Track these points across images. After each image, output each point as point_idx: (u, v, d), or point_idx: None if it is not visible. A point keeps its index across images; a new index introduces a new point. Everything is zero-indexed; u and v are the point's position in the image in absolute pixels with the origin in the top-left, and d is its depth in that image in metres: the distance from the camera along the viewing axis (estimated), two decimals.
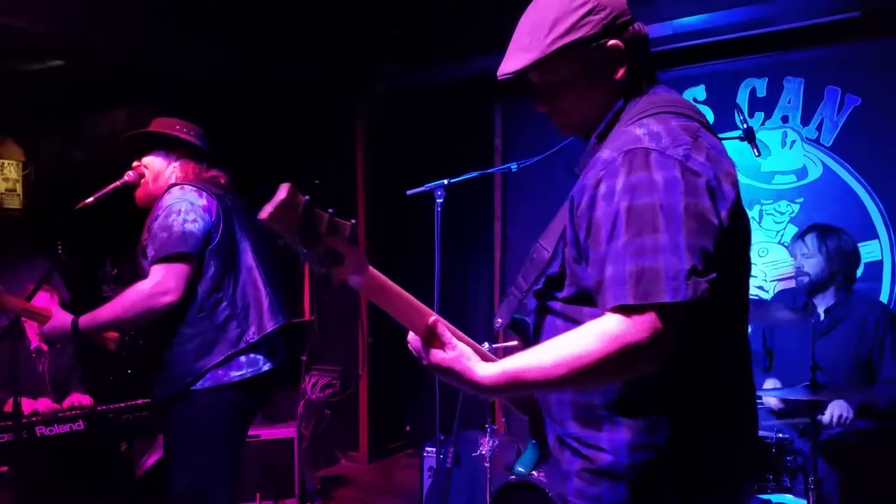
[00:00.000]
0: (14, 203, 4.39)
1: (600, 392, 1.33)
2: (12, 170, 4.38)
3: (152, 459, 3.57)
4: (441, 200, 2.93)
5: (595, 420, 1.35)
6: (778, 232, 3.97)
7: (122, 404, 3.17)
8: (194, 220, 2.48)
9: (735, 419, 1.37)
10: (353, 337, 5.06)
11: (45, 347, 3.56)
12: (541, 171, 3.60)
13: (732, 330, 1.38)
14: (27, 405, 3.19)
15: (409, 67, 4.72)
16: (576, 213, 1.34)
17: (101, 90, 4.25)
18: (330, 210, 1.18)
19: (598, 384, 1.31)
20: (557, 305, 1.42)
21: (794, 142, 3.86)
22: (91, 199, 2.62)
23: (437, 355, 1.32)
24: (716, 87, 4.05)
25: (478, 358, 1.32)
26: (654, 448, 1.30)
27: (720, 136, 1.45)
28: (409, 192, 2.99)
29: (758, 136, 2.90)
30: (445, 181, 2.92)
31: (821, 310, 3.19)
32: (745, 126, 2.69)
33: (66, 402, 3.40)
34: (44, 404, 3.24)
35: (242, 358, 2.56)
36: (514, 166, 3.11)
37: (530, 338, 1.50)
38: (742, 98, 3.95)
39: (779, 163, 3.94)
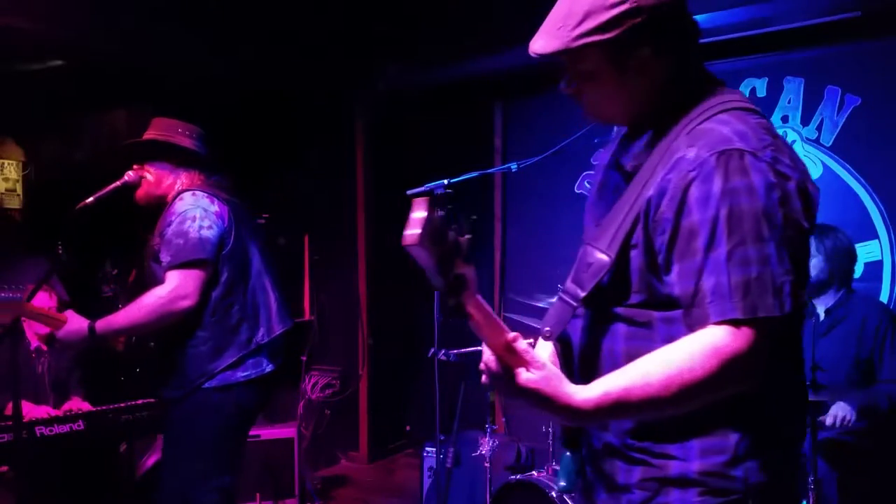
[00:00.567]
0: (14, 203, 4.39)
1: None
2: (12, 170, 4.38)
3: (152, 459, 3.57)
4: None
5: (661, 429, 1.26)
6: None
7: (122, 404, 3.17)
8: (209, 227, 2.52)
9: (799, 424, 1.34)
10: (353, 337, 5.06)
11: (44, 348, 3.56)
12: (541, 171, 3.60)
13: (798, 335, 1.32)
14: (28, 412, 3.19)
15: (409, 68, 4.72)
16: (653, 215, 1.23)
17: (101, 90, 4.25)
18: (454, 225, 1.02)
19: (701, 403, 1.19)
20: (620, 311, 1.31)
21: (793, 142, 3.86)
22: (91, 199, 2.62)
23: (522, 376, 1.16)
24: None
25: (568, 380, 1.18)
26: (726, 451, 1.23)
27: None
28: (409, 193, 2.99)
29: None
30: (445, 181, 2.92)
31: (821, 310, 3.19)
32: None
33: (65, 408, 3.40)
34: (44, 412, 3.24)
35: (249, 359, 2.60)
36: (514, 166, 3.11)
37: (573, 349, 1.40)
38: None
39: None
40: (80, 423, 3.02)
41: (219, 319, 2.55)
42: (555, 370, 1.18)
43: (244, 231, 2.66)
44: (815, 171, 3.83)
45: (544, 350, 1.44)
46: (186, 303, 2.45)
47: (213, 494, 2.54)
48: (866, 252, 3.56)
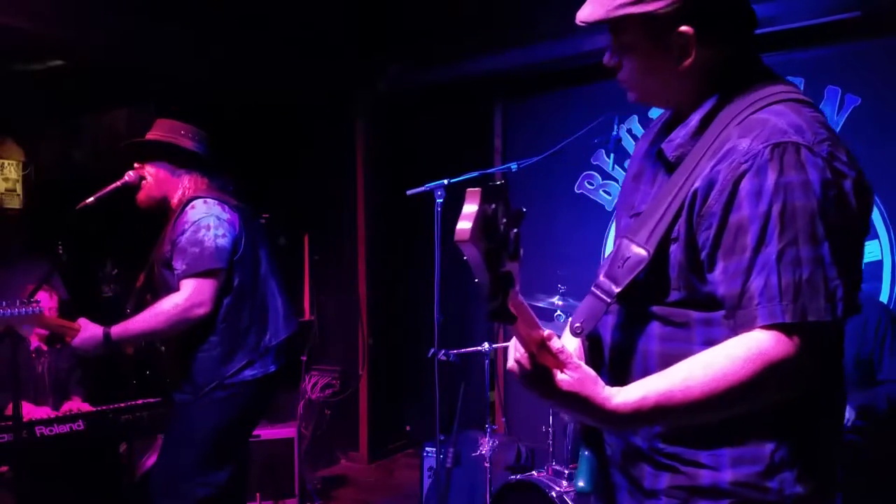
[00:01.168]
0: (14, 203, 4.39)
1: None
2: (12, 170, 4.38)
3: (152, 459, 3.57)
4: (441, 200, 2.93)
5: (692, 434, 1.19)
6: None
7: (122, 404, 3.17)
8: (223, 235, 2.55)
9: (837, 433, 1.26)
10: (353, 337, 5.06)
11: (44, 348, 3.57)
12: (541, 171, 3.60)
13: (842, 344, 1.24)
14: (28, 412, 3.19)
15: (410, 68, 4.72)
16: (699, 209, 1.15)
17: (101, 90, 4.25)
18: (504, 219, 0.95)
19: (743, 410, 1.13)
20: (656, 309, 1.23)
21: None
22: (91, 199, 2.63)
23: (556, 378, 1.10)
24: None
25: (603, 383, 1.12)
26: (761, 461, 1.16)
27: None
28: (409, 192, 3.00)
29: None
30: (445, 181, 2.92)
31: None
32: None
33: (65, 408, 3.40)
34: (44, 412, 3.24)
35: (257, 361, 2.63)
36: (514, 166, 3.11)
37: (604, 347, 1.33)
38: None
39: None
40: (80, 423, 3.02)
41: (229, 325, 2.59)
42: (591, 371, 1.12)
43: (253, 236, 2.69)
44: None
45: (570, 346, 1.38)
46: (202, 310, 2.49)
47: (205, 489, 2.55)
48: (866, 252, 3.54)
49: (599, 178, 4.35)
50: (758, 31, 1.30)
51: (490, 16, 4.31)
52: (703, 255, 1.16)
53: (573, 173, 4.41)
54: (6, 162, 4.36)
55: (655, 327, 1.23)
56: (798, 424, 1.17)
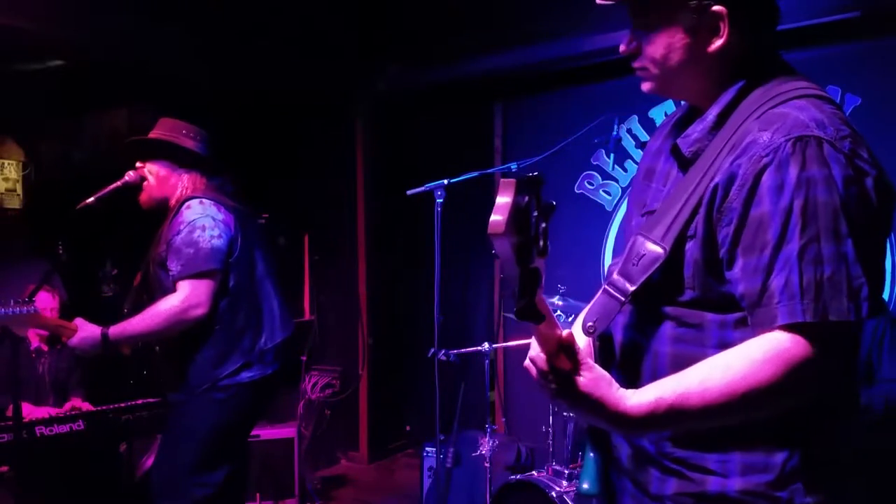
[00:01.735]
0: (14, 203, 4.39)
1: None
2: (12, 170, 4.38)
3: (152, 459, 3.57)
4: (441, 200, 2.93)
5: (701, 438, 1.16)
6: None
7: (122, 404, 3.17)
8: (219, 236, 2.55)
9: (854, 439, 1.21)
10: (353, 337, 5.06)
11: (45, 348, 3.57)
12: (541, 171, 3.60)
13: (859, 347, 1.19)
14: (28, 413, 3.20)
15: (409, 68, 4.72)
16: (719, 204, 1.12)
17: (101, 90, 4.25)
18: (535, 212, 0.92)
19: (762, 414, 1.10)
20: (669, 309, 1.20)
21: None
22: (91, 199, 2.63)
23: (569, 378, 1.08)
24: None
25: (617, 385, 1.10)
26: (772, 470, 1.12)
27: None
28: (409, 193, 3.00)
29: None
30: (445, 181, 2.92)
31: None
32: None
33: (65, 408, 3.41)
34: (44, 412, 3.24)
35: (253, 363, 2.64)
36: (514, 166, 3.11)
37: (615, 346, 1.30)
38: None
39: None
40: (80, 423, 3.02)
41: (225, 326, 2.59)
42: (604, 374, 1.09)
43: (249, 237, 2.69)
44: None
45: (578, 339, 1.39)
46: (199, 311, 2.49)
47: (203, 489, 2.56)
48: None
49: (599, 178, 4.35)
50: None
51: (490, 16, 4.31)
52: (723, 251, 1.13)
53: (573, 173, 4.41)
54: (6, 162, 4.36)
55: (668, 328, 1.20)
56: (812, 431, 1.14)
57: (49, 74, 4.16)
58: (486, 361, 3.39)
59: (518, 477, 3.17)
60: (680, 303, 1.19)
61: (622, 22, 1.28)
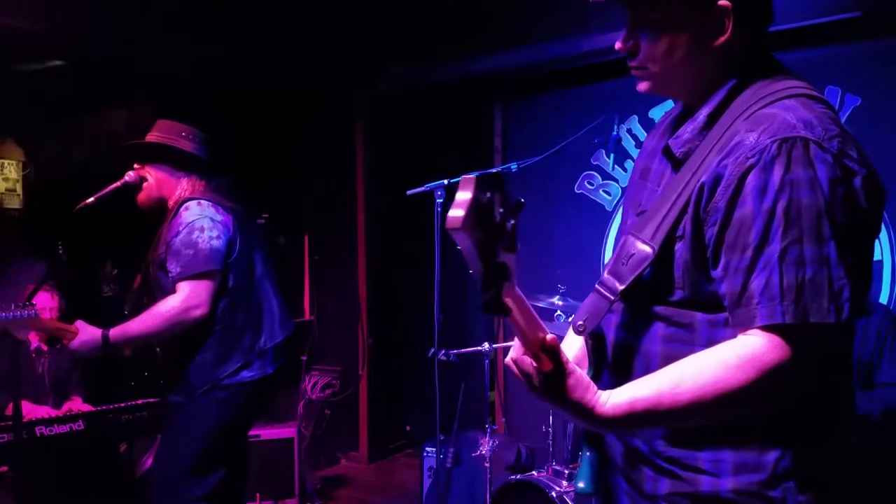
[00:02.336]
0: (14, 203, 4.39)
1: None
2: (12, 170, 4.38)
3: (152, 459, 3.57)
4: (441, 200, 2.93)
5: (693, 437, 1.17)
6: None
7: (122, 404, 3.17)
8: (218, 237, 2.55)
9: (846, 439, 1.21)
10: (353, 337, 5.06)
11: (45, 348, 3.57)
12: (541, 171, 3.60)
13: (851, 348, 1.21)
14: (29, 412, 3.19)
15: (409, 67, 4.72)
16: (705, 204, 1.12)
17: (101, 90, 4.25)
18: (500, 209, 0.93)
19: (737, 415, 1.11)
20: (660, 309, 1.21)
21: None
22: (91, 199, 2.63)
23: (547, 380, 1.10)
24: None
25: (595, 387, 1.11)
26: (764, 469, 1.13)
27: None
28: (409, 192, 3.00)
29: None
30: (445, 181, 2.92)
31: None
32: None
33: (65, 408, 3.40)
34: (44, 412, 3.24)
35: (252, 363, 2.64)
36: (514, 166, 3.11)
37: (607, 347, 1.31)
38: None
39: None
40: (80, 423, 3.02)
41: (224, 327, 2.59)
42: (583, 377, 1.10)
43: (247, 238, 2.69)
44: None
45: (573, 344, 1.38)
46: (199, 312, 2.50)
47: (201, 489, 2.56)
48: None
49: (599, 178, 4.35)
50: None
51: (490, 16, 4.31)
52: (709, 251, 1.13)
53: (573, 173, 4.41)
54: (6, 162, 4.36)
55: (659, 328, 1.21)
56: (805, 431, 1.14)
57: (49, 74, 4.16)
58: (486, 361, 3.39)
59: (518, 477, 3.17)
60: (670, 302, 1.19)
61: (622, 22, 1.27)
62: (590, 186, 4.38)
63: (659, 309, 1.21)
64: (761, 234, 1.06)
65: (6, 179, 4.35)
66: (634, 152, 4.17)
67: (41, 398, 3.49)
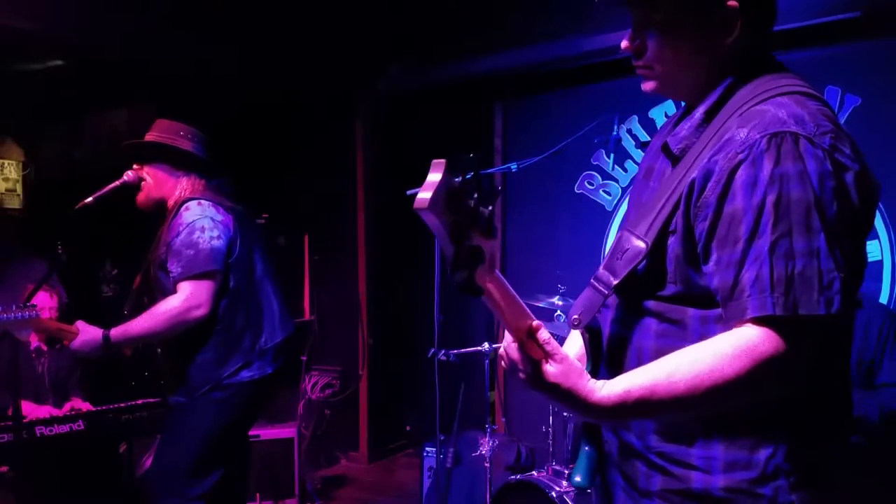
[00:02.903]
0: (14, 203, 4.39)
1: None
2: (12, 170, 4.38)
3: (152, 459, 3.57)
4: None
5: (685, 433, 1.17)
6: None
7: (122, 404, 3.17)
8: (218, 237, 2.55)
9: (841, 438, 1.21)
10: (353, 337, 5.06)
11: (44, 348, 3.57)
12: (541, 171, 3.60)
13: (848, 345, 1.21)
14: (30, 412, 3.19)
15: (409, 68, 4.72)
16: (696, 199, 1.13)
17: (101, 90, 4.25)
18: (475, 194, 0.93)
19: (730, 406, 1.11)
20: (652, 304, 1.21)
21: None
22: (91, 199, 2.63)
23: (540, 368, 1.11)
24: None
25: (589, 376, 1.12)
26: (754, 467, 1.13)
27: None
28: (409, 192, 2.99)
29: None
30: None
31: None
32: None
33: (65, 408, 3.40)
34: (45, 412, 3.24)
35: (252, 363, 2.64)
36: (514, 166, 3.11)
37: (603, 340, 1.32)
38: None
39: None
40: (80, 423, 3.02)
41: (225, 327, 2.59)
42: (575, 364, 1.11)
43: (248, 238, 2.69)
44: None
45: (576, 339, 1.39)
46: (200, 312, 2.50)
47: (201, 488, 2.56)
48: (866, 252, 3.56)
49: (599, 178, 4.35)
50: None
51: (490, 16, 4.31)
52: (700, 246, 1.14)
53: (573, 173, 4.41)
54: (6, 162, 4.36)
55: (652, 323, 1.22)
56: (797, 429, 1.14)
57: (49, 74, 4.16)
58: (486, 361, 3.39)
59: (518, 477, 3.17)
60: (662, 298, 1.20)
61: (622, 22, 1.27)
62: (590, 186, 4.38)
63: (651, 304, 1.22)
64: (751, 228, 1.07)
65: (6, 179, 4.35)
66: (634, 152, 4.17)
67: (41, 398, 3.49)
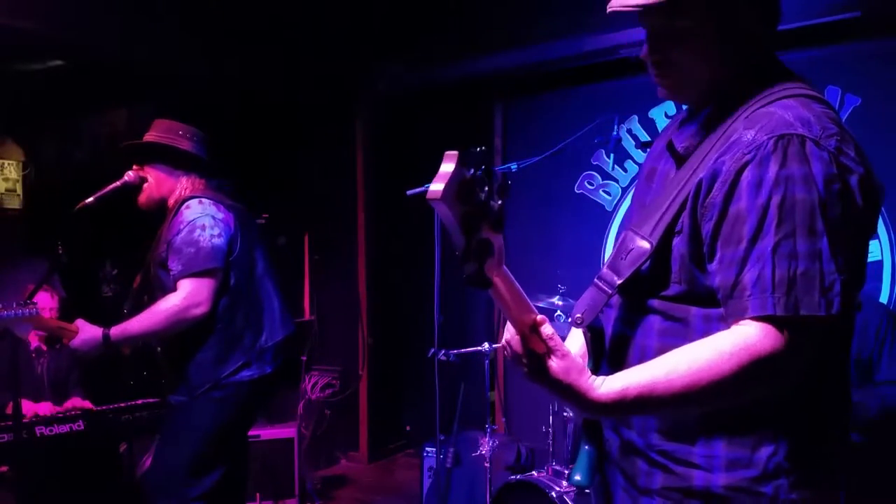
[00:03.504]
0: (14, 203, 4.39)
1: None
2: (12, 170, 4.38)
3: (151, 459, 3.57)
4: None
5: (687, 431, 1.18)
6: None
7: (122, 404, 3.17)
8: (219, 235, 2.55)
9: (841, 437, 1.21)
10: (353, 337, 5.06)
11: (44, 348, 3.57)
12: (541, 171, 3.60)
13: (848, 345, 1.22)
14: (29, 409, 3.19)
15: (410, 68, 4.72)
16: (703, 200, 1.14)
17: (101, 90, 4.25)
18: (486, 187, 0.94)
19: (728, 403, 1.12)
20: (656, 303, 1.22)
21: None
22: (91, 199, 2.63)
23: (541, 363, 1.11)
24: None
25: (589, 371, 1.13)
26: (756, 466, 1.14)
27: None
28: (409, 193, 2.99)
29: None
30: None
31: None
32: None
33: (65, 407, 3.40)
34: (45, 408, 3.24)
35: (252, 362, 2.64)
36: (514, 166, 3.11)
37: (605, 340, 1.32)
38: None
39: None
40: (80, 423, 3.02)
41: (225, 326, 2.59)
42: (576, 360, 1.12)
43: (248, 237, 2.69)
44: None
45: (577, 338, 1.39)
46: (200, 310, 2.50)
47: (200, 488, 2.56)
48: None
49: (599, 178, 4.35)
50: None
51: (490, 16, 4.31)
52: (706, 246, 1.15)
53: (573, 173, 4.41)
54: (6, 162, 4.36)
55: (655, 322, 1.23)
56: (798, 427, 1.15)
57: (49, 74, 4.16)
58: (486, 361, 3.39)
59: (518, 477, 3.17)
60: (666, 297, 1.21)
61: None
62: (590, 186, 4.38)
63: (655, 303, 1.22)
64: (755, 228, 1.08)
65: (6, 179, 4.35)
66: (634, 152, 4.17)
67: (40, 398, 3.49)
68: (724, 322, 1.13)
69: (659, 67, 1.26)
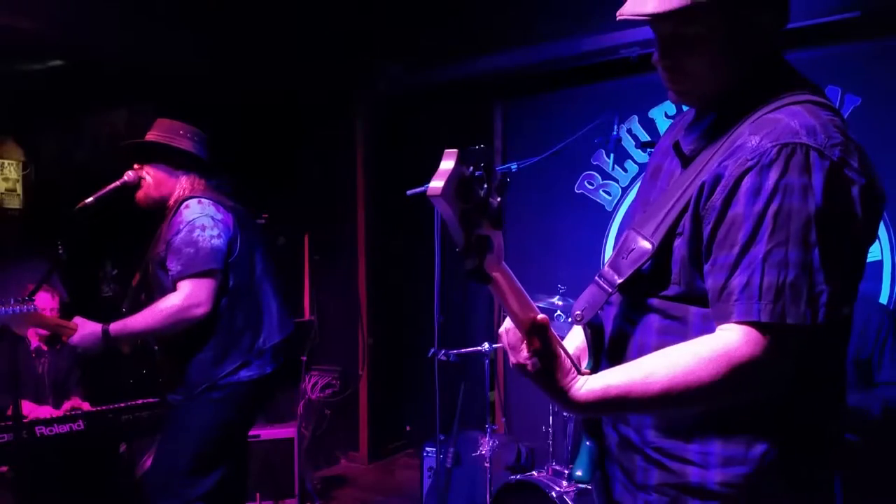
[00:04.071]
0: (14, 203, 4.38)
1: None
2: (12, 170, 4.38)
3: (151, 459, 3.57)
4: None
5: (682, 429, 1.20)
6: None
7: (122, 404, 3.17)
8: (218, 236, 2.56)
9: (834, 437, 1.22)
10: (353, 337, 5.06)
11: (44, 348, 3.57)
12: (541, 171, 3.60)
13: (843, 349, 1.23)
14: (30, 412, 3.19)
15: (410, 68, 4.72)
16: (704, 203, 1.15)
17: (101, 90, 4.25)
18: (485, 185, 0.96)
19: (706, 407, 1.15)
20: (656, 302, 1.23)
21: None
22: (91, 199, 2.63)
23: (531, 358, 1.14)
24: None
25: (575, 373, 1.15)
26: (750, 462, 1.15)
27: None
28: (409, 193, 2.99)
29: None
30: None
31: None
32: None
33: (65, 407, 3.41)
34: (46, 412, 3.24)
35: (251, 362, 2.64)
36: (514, 166, 3.11)
37: (605, 337, 1.34)
38: None
39: None
40: (80, 423, 3.02)
41: (225, 326, 2.59)
42: (564, 360, 1.14)
43: (248, 238, 2.69)
44: None
45: (576, 335, 1.41)
46: (201, 310, 2.50)
47: (200, 488, 2.56)
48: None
49: (599, 178, 4.34)
50: None
51: (490, 16, 4.31)
52: (703, 248, 1.16)
53: (573, 173, 4.41)
54: (6, 162, 4.35)
55: (654, 320, 1.24)
56: (790, 427, 1.16)
57: (49, 74, 4.16)
58: (486, 361, 3.39)
59: (518, 477, 3.17)
60: (666, 296, 1.22)
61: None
62: (590, 186, 4.38)
63: (654, 302, 1.24)
64: (749, 235, 1.09)
65: (6, 179, 4.35)
66: (634, 152, 4.17)
67: (41, 398, 3.49)
68: (711, 320, 1.15)
69: (670, 73, 1.26)
